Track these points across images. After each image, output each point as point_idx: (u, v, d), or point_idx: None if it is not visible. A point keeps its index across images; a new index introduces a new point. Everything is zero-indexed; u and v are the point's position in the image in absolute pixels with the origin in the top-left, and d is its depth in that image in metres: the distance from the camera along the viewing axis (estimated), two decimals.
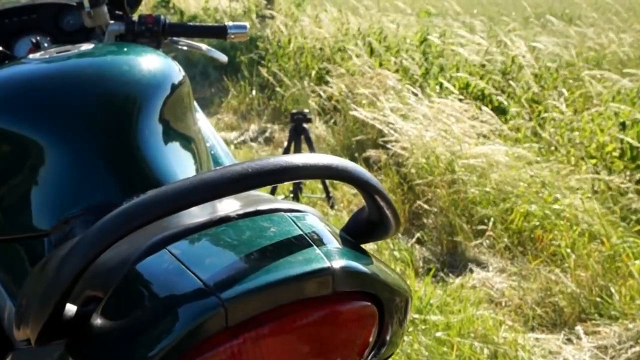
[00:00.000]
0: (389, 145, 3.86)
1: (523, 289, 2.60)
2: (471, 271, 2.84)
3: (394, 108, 4.03)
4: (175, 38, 1.58)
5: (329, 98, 4.64)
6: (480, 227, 3.05)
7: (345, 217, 3.48)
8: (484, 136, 3.72)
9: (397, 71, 4.65)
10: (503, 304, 2.59)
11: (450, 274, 2.85)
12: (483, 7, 8.64)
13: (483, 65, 4.91)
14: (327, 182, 3.70)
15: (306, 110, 3.68)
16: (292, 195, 3.72)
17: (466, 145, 3.37)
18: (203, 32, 1.59)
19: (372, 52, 4.91)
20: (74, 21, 1.71)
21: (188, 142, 1.17)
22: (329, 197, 3.65)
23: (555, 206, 2.89)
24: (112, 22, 1.53)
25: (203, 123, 1.42)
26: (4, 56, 1.54)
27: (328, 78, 4.94)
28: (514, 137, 3.73)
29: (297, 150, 3.63)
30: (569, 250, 2.68)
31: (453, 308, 2.50)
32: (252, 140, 4.87)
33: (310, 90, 4.99)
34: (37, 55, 1.18)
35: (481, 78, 4.76)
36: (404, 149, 3.73)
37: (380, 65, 4.68)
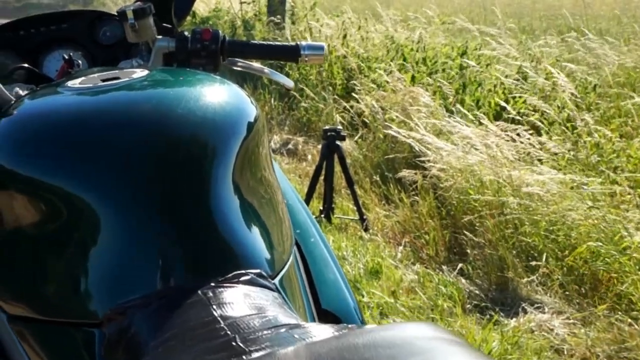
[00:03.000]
0: (424, 166, 3.65)
1: (590, 338, 2.37)
2: (524, 311, 2.62)
3: (430, 126, 3.81)
4: (233, 59, 1.36)
5: (358, 114, 4.41)
6: (533, 262, 2.82)
7: (381, 241, 3.26)
8: (525, 161, 3.50)
9: (428, 86, 4.43)
10: (566, 352, 2.36)
11: (502, 313, 2.62)
12: (508, 17, 8.42)
13: (520, 85, 4.69)
14: (360, 201, 3.48)
15: (339, 127, 3.45)
16: (322, 215, 3.50)
17: (516, 172, 3.15)
18: (269, 53, 1.36)
19: (403, 65, 4.68)
20: (112, 33, 1.49)
21: (269, 200, 0.94)
22: (362, 219, 3.42)
23: (620, 244, 2.66)
24: (159, 37, 1.31)
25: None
26: (30, 74, 1.31)
27: (355, 91, 4.72)
28: (560, 163, 3.50)
29: (330, 169, 3.41)
30: None
31: (513, 355, 2.28)
32: (274, 151, 4.65)
33: (335, 102, 4.77)
34: (77, 82, 0.94)
35: (513, 98, 4.55)
36: (441, 170, 3.51)
37: (413, 80, 4.46)
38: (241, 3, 8.26)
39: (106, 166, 0.79)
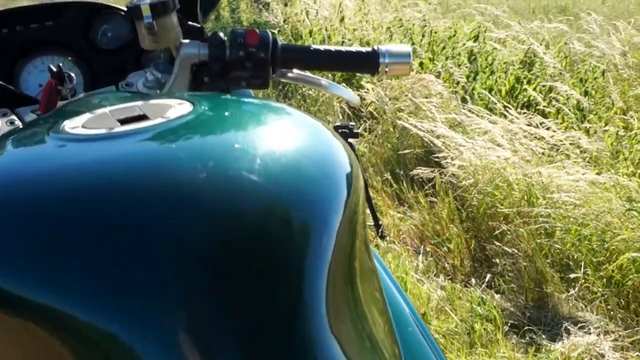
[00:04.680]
0: (440, 162, 3.37)
1: None
2: (568, 332, 2.36)
3: (446, 119, 3.52)
4: (286, 70, 1.03)
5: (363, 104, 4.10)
6: (570, 274, 2.56)
7: (400, 251, 2.98)
8: (549, 156, 3.23)
9: (438, 75, 4.13)
10: None
11: (543, 335, 2.36)
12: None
13: (530, 69, 4.41)
14: (375, 206, 3.18)
15: (352, 124, 3.14)
16: None
17: (545, 171, 2.88)
18: (337, 63, 1.02)
19: (414, 50, 4.37)
20: (115, 33, 1.16)
21: (372, 291, 0.66)
22: (377, 225, 3.13)
23: None
24: (185, 41, 0.98)
25: None
26: (2, 92, 0.99)
27: (356, 78, 4.40)
28: (588, 158, 3.24)
29: None
30: None
31: None
32: None
33: None
34: (78, 122, 0.62)
35: (528, 82, 4.27)
36: (460, 167, 3.23)
37: (421, 65, 4.15)
38: None
39: (139, 289, 0.48)
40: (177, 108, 0.62)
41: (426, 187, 3.36)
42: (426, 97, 3.86)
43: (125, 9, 1.16)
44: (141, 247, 0.49)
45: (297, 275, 0.52)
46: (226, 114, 0.67)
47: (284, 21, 5.38)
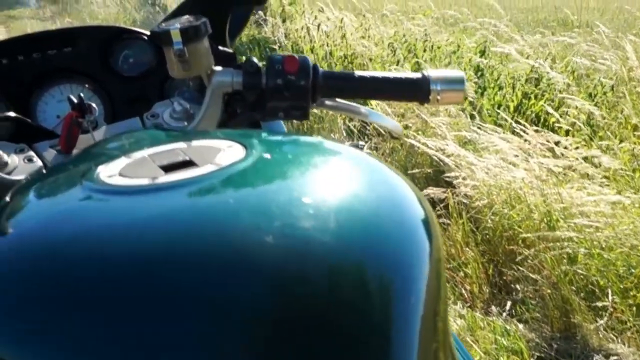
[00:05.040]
0: (450, 181, 3.23)
1: None
2: None
3: (456, 137, 3.39)
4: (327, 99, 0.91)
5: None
6: (597, 302, 2.42)
7: None
8: (565, 175, 3.10)
9: None
10: None
11: None
12: (510, 11, 8.05)
13: (537, 84, 4.30)
14: None
15: (362, 143, 3.01)
16: None
17: (565, 191, 2.74)
18: (384, 90, 0.90)
19: (418, 65, 4.25)
20: (137, 59, 1.07)
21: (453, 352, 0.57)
22: None
23: None
24: (218, 68, 0.88)
25: None
26: (18, 126, 0.90)
27: None
28: (608, 176, 3.11)
29: None
30: None
31: None
32: None
33: None
34: (114, 169, 0.54)
35: (536, 98, 4.16)
36: (473, 187, 3.10)
37: None
38: None
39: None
40: (228, 152, 0.54)
41: (437, 208, 3.23)
42: (433, 114, 3.74)
43: (147, 33, 1.08)
44: (197, 317, 0.41)
45: (383, 346, 0.45)
46: (284, 158, 0.57)
47: (285, 37, 5.27)
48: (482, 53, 4.43)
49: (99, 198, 0.49)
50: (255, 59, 0.86)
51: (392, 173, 0.58)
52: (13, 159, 0.79)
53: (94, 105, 0.86)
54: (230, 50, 0.95)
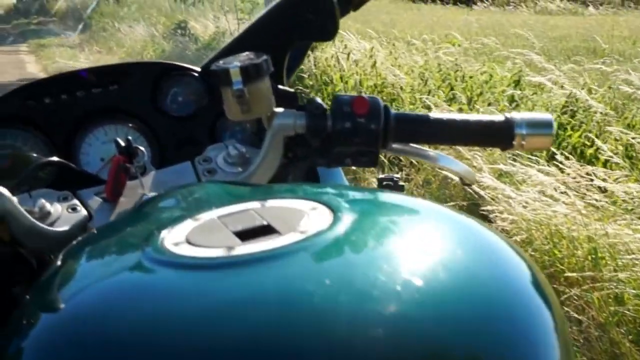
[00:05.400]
0: (487, 215, 3.12)
1: None
2: None
3: (491, 169, 3.29)
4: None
5: None
6: None
7: None
8: (607, 211, 2.97)
9: None
10: None
11: None
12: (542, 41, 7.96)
13: (573, 115, 4.18)
14: None
15: (397, 176, 2.92)
16: None
17: (610, 229, 2.61)
18: (460, 134, 0.81)
19: (453, 96, 4.16)
20: (186, 98, 1.00)
21: None
22: None
23: None
24: (279, 110, 0.80)
25: None
26: (61, 171, 0.86)
27: None
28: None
29: None
30: None
31: None
32: None
33: None
34: (180, 233, 0.48)
35: (572, 129, 4.05)
36: (511, 222, 2.98)
37: (460, 112, 3.94)
38: (239, 23, 7.84)
39: None
40: (312, 217, 0.47)
41: None
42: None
43: (197, 69, 1.02)
44: None
45: None
46: (379, 224, 0.49)
47: (314, 65, 5.23)
48: (517, 83, 4.33)
49: (166, 273, 0.42)
50: (319, 100, 0.79)
51: (499, 239, 0.51)
52: (56, 208, 0.73)
53: (141, 148, 0.79)
54: (292, 90, 0.88)
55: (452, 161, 0.86)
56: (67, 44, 11.64)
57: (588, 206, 2.79)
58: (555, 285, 2.62)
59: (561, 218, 2.74)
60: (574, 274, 2.57)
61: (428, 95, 4.23)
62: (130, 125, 0.97)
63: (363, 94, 0.79)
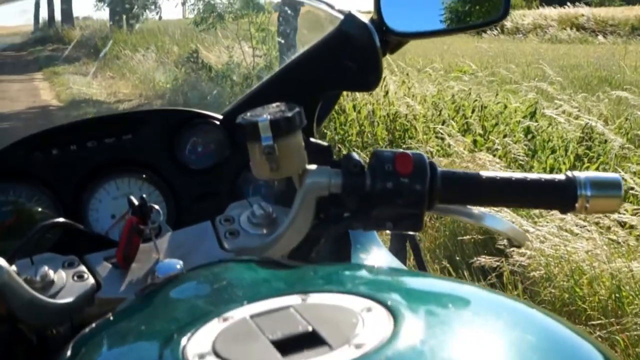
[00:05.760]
0: (503, 250, 3.05)
1: None
2: None
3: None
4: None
5: None
6: None
7: None
8: (628, 244, 2.89)
9: (492, 153, 3.86)
10: None
11: None
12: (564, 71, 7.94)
13: (589, 147, 4.12)
14: None
15: None
16: None
17: (633, 265, 2.54)
18: (516, 195, 0.74)
19: (467, 127, 4.12)
20: (206, 148, 0.93)
21: None
22: None
23: None
24: (311, 167, 0.73)
25: None
26: (67, 231, 0.79)
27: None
28: None
29: (402, 261, 2.81)
30: None
31: None
32: None
33: None
34: (209, 350, 0.40)
35: (589, 161, 3.99)
36: (529, 257, 2.91)
37: (475, 143, 3.89)
38: (254, 56, 7.86)
39: None
40: (369, 322, 0.39)
41: (489, 277, 3.04)
42: None
43: (218, 116, 0.94)
44: None
45: None
46: (452, 332, 0.41)
47: None
48: (532, 115, 4.28)
49: None
50: (356, 156, 0.72)
51: (578, 336, 0.46)
52: (60, 276, 0.67)
53: (157, 207, 0.72)
54: (325, 143, 0.81)
55: (499, 221, 0.79)
56: (80, 72, 11.72)
57: (610, 242, 2.72)
58: (575, 324, 2.55)
59: (582, 254, 2.67)
60: (595, 313, 2.49)
61: (442, 125, 4.19)
62: (145, 178, 0.91)
63: (405, 150, 0.73)
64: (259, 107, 0.72)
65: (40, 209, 0.86)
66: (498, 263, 2.98)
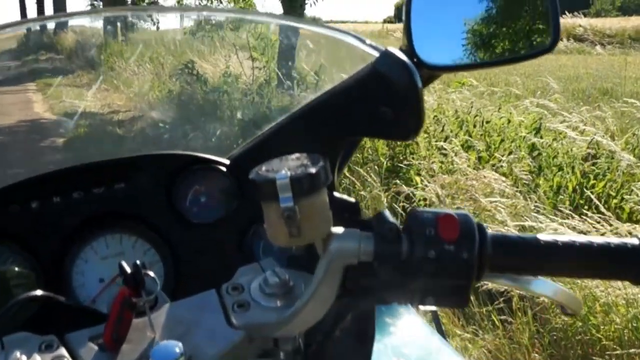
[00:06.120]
0: None
1: None
2: None
3: (515, 225, 3.11)
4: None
5: (410, 200, 3.70)
6: None
7: None
8: None
9: (496, 169, 3.74)
10: None
11: None
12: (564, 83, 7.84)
13: (594, 163, 4.01)
14: None
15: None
16: None
17: None
18: (580, 264, 0.61)
19: (469, 143, 4.00)
20: (210, 198, 0.81)
21: None
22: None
23: None
24: (337, 230, 0.60)
25: None
26: (46, 306, 0.65)
27: (403, 172, 4.03)
28: None
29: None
30: None
31: None
32: None
33: (381, 185, 4.08)
34: None
35: (595, 178, 3.87)
36: None
37: (479, 160, 3.77)
38: (253, 68, 7.74)
39: None
40: None
41: (497, 302, 2.91)
42: (487, 196, 3.46)
43: (224, 161, 0.81)
44: None
45: None
46: None
47: None
48: (537, 130, 4.17)
49: None
50: (389, 215, 0.60)
51: None
52: None
53: (152, 275, 0.61)
54: (351, 200, 0.70)
55: (550, 285, 0.67)
56: (74, 83, 11.60)
57: None
58: (591, 357, 2.42)
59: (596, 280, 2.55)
60: (610, 342, 2.37)
61: (445, 141, 4.07)
62: (139, 234, 0.78)
63: (450, 209, 0.61)
64: (273, 156, 0.60)
65: (15, 273, 0.73)
66: (506, 287, 2.86)
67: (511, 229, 3.01)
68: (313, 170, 0.56)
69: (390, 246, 0.58)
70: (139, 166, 0.81)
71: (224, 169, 0.82)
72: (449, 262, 0.57)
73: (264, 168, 0.58)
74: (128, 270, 0.59)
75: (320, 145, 0.62)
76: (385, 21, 50.94)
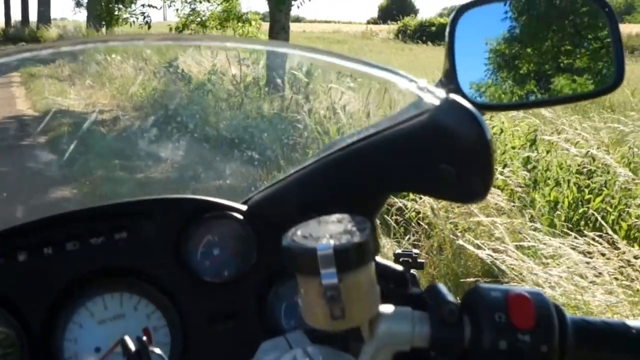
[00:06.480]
0: None
1: None
2: None
3: (513, 241, 3.02)
4: None
5: (402, 216, 3.60)
6: None
7: None
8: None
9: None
10: None
11: None
12: None
13: (590, 177, 3.94)
14: None
15: (415, 251, 2.64)
16: None
17: None
18: None
19: None
20: (226, 252, 0.69)
21: None
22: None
23: None
24: (386, 309, 0.50)
25: None
26: None
27: None
28: None
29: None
30: None
31: None
32: None
33: None
34: None
35: (591, 193, 3.80)
36: None
37: None
38: (240, 64, 7.61)
39: None
40: None
41: None
42: (482, 209, 3.38)
43: (241, 207, 0.69)
44: None
45: None
46: None
47: (309, 115, 4.96)
48: (532, 143, 4.09)
49: None
50: (446, 290, 0.50)
51: None
52: None
53: (159, 352, 0.51)
54: (401, 269, 0.62)
55: None
56: (56, 76, 11.38)
57: (635, 294, 2.52)
58: None
59: (600, 305, 2.47)
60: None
61: None
62: (143, 294, 0.67)
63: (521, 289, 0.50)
64: (298, 205, 0.54)
65: None
66: None
67: (510, 247, 2.93)
68: (360, 238, 0.46)
69: (451, 331, 0.49)
70: (142, 212, 0.69)
71: (240, 216, 0.70)
72: (524, 356, 0.47)
73: (299, 233, 0.47)
74: (132, 347, 0.49)
75: (356, 200, 0.56)
76: (369, 22, 51.05)
